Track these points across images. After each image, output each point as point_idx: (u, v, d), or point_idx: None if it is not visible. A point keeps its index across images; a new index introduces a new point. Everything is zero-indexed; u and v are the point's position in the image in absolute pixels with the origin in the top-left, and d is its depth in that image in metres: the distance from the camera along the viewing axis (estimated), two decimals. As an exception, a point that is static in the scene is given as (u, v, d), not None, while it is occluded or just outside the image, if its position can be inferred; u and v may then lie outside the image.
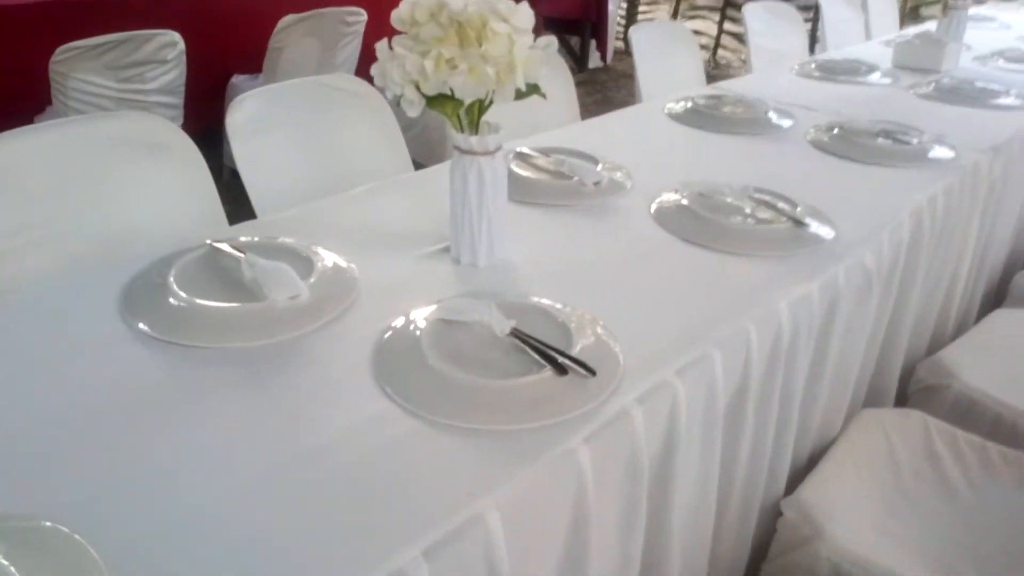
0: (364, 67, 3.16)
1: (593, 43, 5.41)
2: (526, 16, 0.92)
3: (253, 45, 2.86)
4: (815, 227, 1.17)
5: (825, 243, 1.13)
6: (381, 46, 0.93)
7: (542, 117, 1.92)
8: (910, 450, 1.21)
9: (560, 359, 0.80)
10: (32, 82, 2.35)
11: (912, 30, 3.05)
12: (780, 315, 0.98)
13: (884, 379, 1.37)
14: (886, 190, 1.36)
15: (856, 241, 1.16)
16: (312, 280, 0.97)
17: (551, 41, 0.95)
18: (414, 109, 0.92)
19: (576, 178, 1.31)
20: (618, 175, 1.38)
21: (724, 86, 1.99)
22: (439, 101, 0.94)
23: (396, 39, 0.93)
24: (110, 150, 1.30)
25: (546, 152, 1.40)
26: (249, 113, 1.48)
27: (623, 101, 4.63)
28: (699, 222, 1.17)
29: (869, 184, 1.40)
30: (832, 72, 2.13)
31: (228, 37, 3.06)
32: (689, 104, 1.75)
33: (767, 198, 1.23)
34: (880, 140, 1.54)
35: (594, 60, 5.54)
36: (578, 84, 5.59)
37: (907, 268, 1.30)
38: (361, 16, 2.91)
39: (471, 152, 0.98)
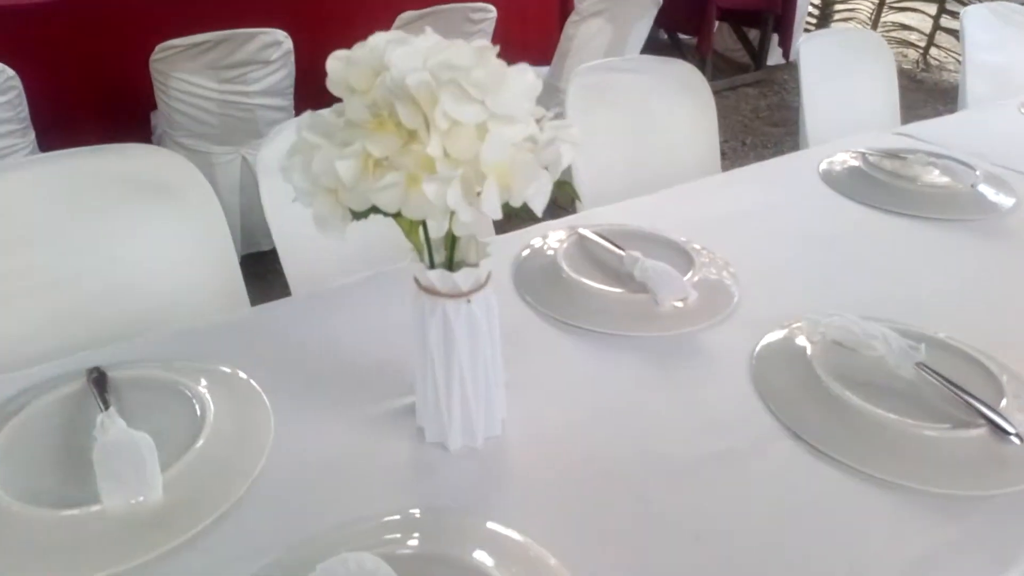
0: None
1: (775, 37, 4.75)
2: (520, 89, 0.54)
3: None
4: (1031, 437, 0.69)
5: (1048, 477, 0.65)
6: (301, 122, 0.59)
7: (665, 161, 1.51)
8: None
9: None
10: (143, 79, 2.28)
11: None
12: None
13: None
14: None
15: (1109, 471, 0.67)
16: (191, 455, 0.66)
17: (562, 127, 0.56)
18: (334, 230, 0.58)
19: (650, 293, 0.90)
20: (722, 279, 0.95)
21: (917, 131, 1.45)
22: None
23: (316, 118, 0.58)
24: (110, 191, 1.08)
25: (621, 240, 1.00)
26: (283, 148, 1.21)
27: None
28: (824, 404, 0.73)
29: None
30: (1086, 115, 1.51)
31: (347, 34, 2.88)
32: (856, 162, 1.26)
33: (945, 374, 0.75)
34: None
35: (775, 56, 4.87)
36: (753, 84, 4.99)
37: None
38: (489, 13, 2.60)
39: (432, 292, 0.62)
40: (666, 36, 4.76)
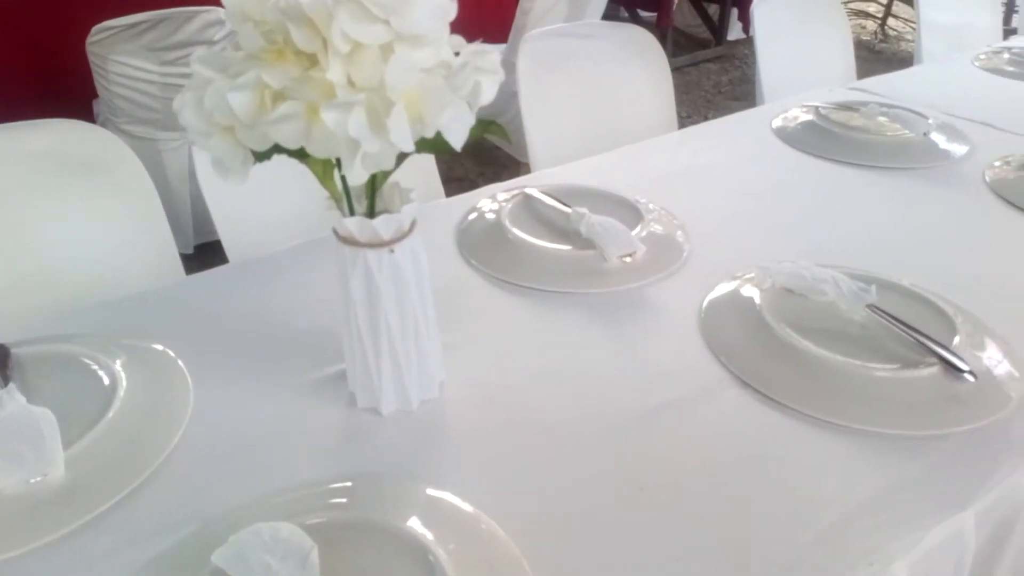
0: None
1: (735, 12, 4.74)
2: (429, 8, 0.50)
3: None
4: (986, 375, 0.66)
5: (1003, 413, 0.63)
6: (194, 56, 0.54)
7: (621, 126, 1.48)
8: None
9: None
10: (82, 64, 2.19)
11: None
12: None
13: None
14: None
15: (1064, 405, 0.65)
16: (98, 430, 0.61)
17: (479, 53, 0.52)
18: (234, 174, 0.53)
19: (597, 249, 0.86)
20: (672, 233, 0.92)
21: (871, 85, 1.43)
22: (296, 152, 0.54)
23: (205, 54, 0.53)
24: (30, 169, 1.02)
25: (568, 197, 0.96)
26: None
27: (762, 82, 3.98)
28: (774, 351, 0.70)
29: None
30: (1037, 65, 1.50)
31: None
32: (809, 116, 1.23)
33: (897, 314, 0.72)
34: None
35: (735, 31, 4.87)
36: (714, 60, 4.99)
37: None
38: None
39: (351, 242, 0.58)
40: (626, 13, 4.73)
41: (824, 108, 1.23)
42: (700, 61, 4.61)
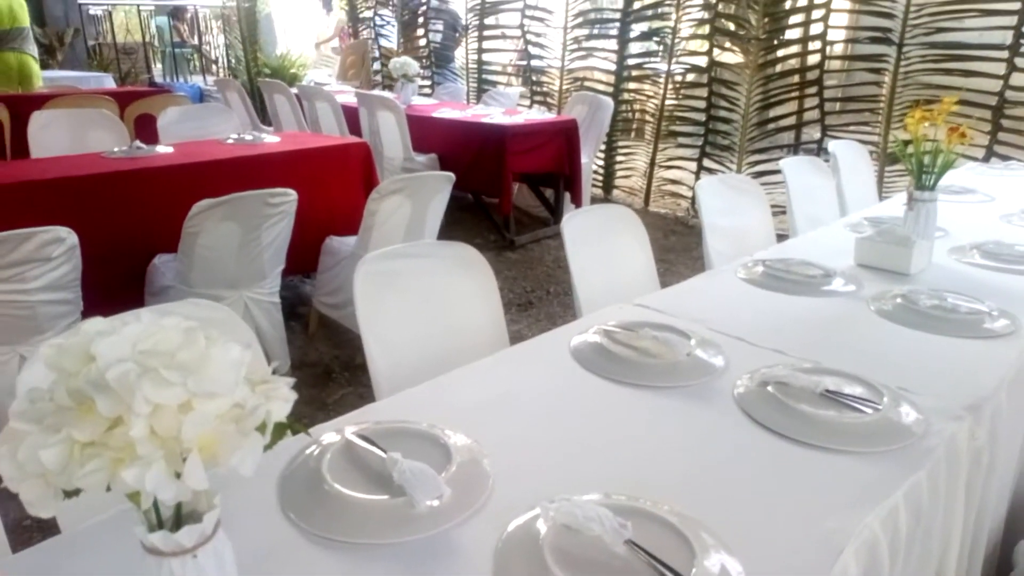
0: (298, 242, 2.98)
1: (567, 195, 5.29)
2: (224, 365, 0.62)
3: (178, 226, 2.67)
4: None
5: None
6: (13, 411, 0.62)
7: (455, 338, 1.63)
8: None
9: None
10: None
11: (884, 208, 2.82)
12: None
13: None
14: (830, 494, 1.02)
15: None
16: None
17: (271, 388, 0.64)
18: (45, 510, 0.60)
19: (406, 496, 0.97)
20: (479, 467, 1.05)
21: (654, 301, 1.69)
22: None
23: (24, 407, 0.62)
24: None
25: (386, 439, 1.07)
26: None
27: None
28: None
29: (806, 483, 1.05)
30: (784, 279, 1.83)
31: (153, 219, 2.93)
32: (598, 338, 1.44)
33: (650, 546, 0.87)
34: (824, 411, 1.20)
35: (570, 211, 5.40)
36: (553, 236, 5.46)
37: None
38: (289, 196, 2.71)
39: (155, 552, 0.65)
40: (471, 197, 5.17)
41: (611, 330, 1.45)
42: (541, 238, 5.05)
